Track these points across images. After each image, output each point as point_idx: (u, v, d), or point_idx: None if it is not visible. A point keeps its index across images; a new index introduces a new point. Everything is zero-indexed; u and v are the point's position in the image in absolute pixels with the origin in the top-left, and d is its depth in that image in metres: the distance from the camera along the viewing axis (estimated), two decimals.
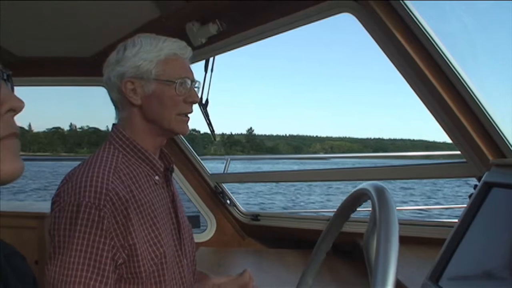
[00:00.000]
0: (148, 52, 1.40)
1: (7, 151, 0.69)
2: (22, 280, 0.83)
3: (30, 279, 0.87)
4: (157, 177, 1.44)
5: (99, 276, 1.20)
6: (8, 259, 0.81)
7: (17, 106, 0.70)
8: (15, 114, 0.71)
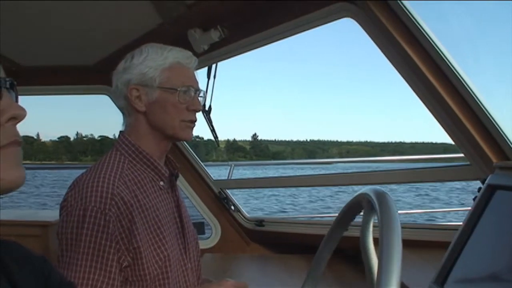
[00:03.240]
0: (154, 60, 1.44)
1: (8, 159, 0.68)
2: (33, 284, 0.83)
3: (41, 281, 0.87)
4: (162, 183, 1.48)
5: (106, 278, 1.24)
6: (16, 262, 0.81)
7: (19, 114, 0.70)
8: (17, 123, 0.71)
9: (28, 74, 2.76)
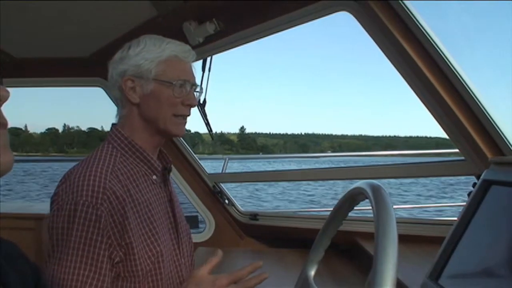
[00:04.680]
0: (150, 52, 1.42)
1: None
2: (23, 281, 0.81)
3: (31, 281, 0.85)
4: (154, 177, 1.46)
5: (96, 274, 1.22)
6: (7, 260, 0.79)
7: (2, 95, 0.67)
8: (0, 105, 0.68)
9: (23, 66, 2.74)
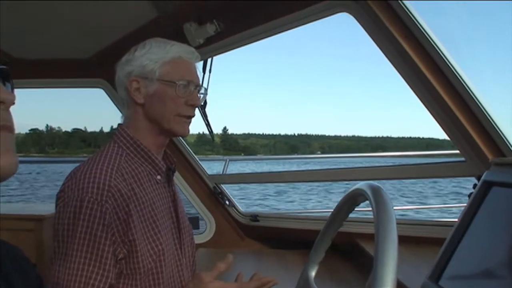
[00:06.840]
0: (155, 54, 1.45)
1: None
2: (28, 284, 0.81)
3: (35, 283, 0.85)
4: (158, 177, 1.48)
5: (101, 270, 1.24)
6: (13, 262, 0.79)
7: (6, 99, 0.67)
8: (5, 108, 0.68)
9: (23, 67, 2.74)
